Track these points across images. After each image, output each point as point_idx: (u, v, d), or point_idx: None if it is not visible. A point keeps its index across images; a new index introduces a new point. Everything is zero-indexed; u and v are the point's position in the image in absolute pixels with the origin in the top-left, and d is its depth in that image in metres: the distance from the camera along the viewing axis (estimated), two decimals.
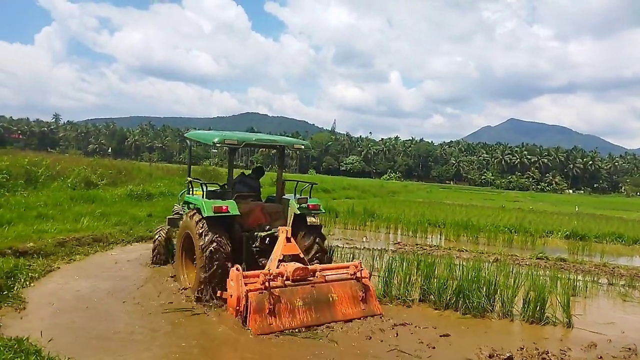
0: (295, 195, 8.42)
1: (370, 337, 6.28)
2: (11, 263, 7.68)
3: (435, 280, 8.06)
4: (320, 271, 6.99)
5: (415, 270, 8.62)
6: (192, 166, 9.86)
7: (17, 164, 17.40)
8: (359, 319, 6.82)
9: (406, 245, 14.30)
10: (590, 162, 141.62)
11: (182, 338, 5.85)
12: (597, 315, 8.24)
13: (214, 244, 7.06)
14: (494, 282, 7.77)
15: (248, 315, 6.16)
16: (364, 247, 13.03)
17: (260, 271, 6.57)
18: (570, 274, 10.46)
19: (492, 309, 7.57)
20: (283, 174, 8.92)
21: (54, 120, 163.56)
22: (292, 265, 6.76)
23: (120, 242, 11.43)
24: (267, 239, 7.77)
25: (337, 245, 11.05)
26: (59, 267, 8.56)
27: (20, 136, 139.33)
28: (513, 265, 11.16)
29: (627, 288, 10.30)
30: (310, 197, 8.28)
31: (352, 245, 13.08)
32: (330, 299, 6.80)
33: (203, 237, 7.11)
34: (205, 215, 7.15)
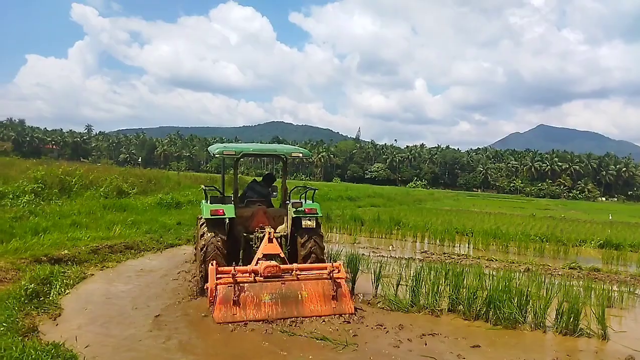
0: (305, 200, 9.02)
1: (398, 346, 6.23)
2: (47, 270, 7.95)
3: (465, 290, 7.92)
4: (296, 270, 7.39)
5: (443, 280, 8.51)
6: (217, 175, 10.50)
7: (51, 173, 18.00)
8: (332, 316, 7.14)
9: (433, 254, 14.14)
10: (624, 169, 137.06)
11: (211, 346, 5.92)
12: (634, 327, 7.96)
13: (211, 243, 7.85)
14: (525, 293, 7.59)
15: (213, 305, 6.78)
16: (391, 256, 12.92)
17: (231, 267, 7.06)
18: (604, 285, 10.09)
19: (524, 320, 7.38)
20: (289, 180, 9.13)
21: (86, 131, 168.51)
22: (265, 263, 7.26)
23: (151, 250, 11.68)
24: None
25: (363, 254, 10.98)
26: (93, 274, 8.79)
27: (54, 147, 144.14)
28: (545, 275, 10.89)
29: None
30: (312, 202, 8.92)
31: (378, 254, 12.99)
32: (300, 295, 7.19)
33: (202, 236, 8.02)
34: (204, 217, 8.09)
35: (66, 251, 9.56)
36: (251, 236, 8.48)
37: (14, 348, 4.93)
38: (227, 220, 8.36)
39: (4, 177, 17.19)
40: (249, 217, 8.64)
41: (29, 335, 5.56)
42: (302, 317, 7.01)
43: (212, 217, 7.99)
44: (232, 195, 8.88)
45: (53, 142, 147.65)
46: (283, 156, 9.26)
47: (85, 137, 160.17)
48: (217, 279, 6.95)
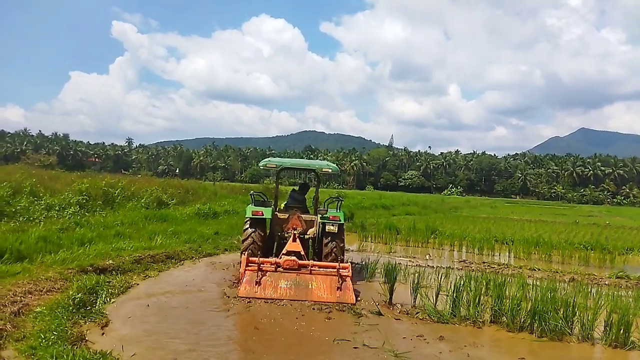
0: (335, 209, 10.58)
1: (439, 358, 6.12)
2: (93, 280, 8.21)
3: (508, 300, 7.71)
4: (311, 266, 8.93)
5: (484, 290, 8.32)
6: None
7: (95, 186, 18.65)
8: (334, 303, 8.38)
9: (472, 263, 13.84)
10: None
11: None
12: None
13: (249, 237, 9.82)
14: (571, 303, 7.33)
15: (240, 285, 8.69)
16: (428, 265, 12.73)
17: (258, 258, 8.88)
18: None
19: (571, 331, 7.12)
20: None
21: (127, 144, 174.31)
22: (286, 258, 8.97)
23: (190, 259, 11.91)
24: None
25: (400, 264, 10.84)
26: (137, 284, 9.03)
27: (97, 159, 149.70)
28: (591, 285, 10.49)
29: None
30: (338, 210, 10.45)
31: (415, 264, 12.82)
32: (310, 285, 8.73)
33: (245, 232, 9.97)
34: (247, 216, 10.06)
35: (111, 261, 9.87)
36: (285, 235, 10.20)
37: (64, 356, 5.12)
38: (266, 221, 10.20)
39: (50, 190, 17.88)
40: (285, 220, 10.40)
41: (78, 344, 5.75)
42: (310, 301, 8.36)
43: (253, 216, 9.94)
44: (273, 200, 10.96)
45: (95, 155, 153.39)
46: (315, 171, 11.04)
47: (126, 150, 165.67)
48: (247, 266, 8.71)
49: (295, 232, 9.88)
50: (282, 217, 10.42)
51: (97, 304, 7.36)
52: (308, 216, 10.60)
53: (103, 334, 6.36)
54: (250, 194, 11.26)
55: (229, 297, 8.50)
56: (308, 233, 10.36)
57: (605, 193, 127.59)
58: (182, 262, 11.49)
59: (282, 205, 11.34)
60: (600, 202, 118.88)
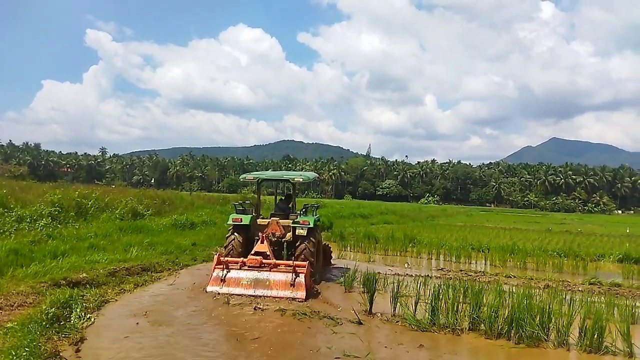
0: (311, 215, 11.59)
1: None
2: (66, 294, 7.98)
3: (486, 308, 7.81)
4: (272, 264, 9.90)
5: (462, 298, 8.41)
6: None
7: (68, 196, 18.17)
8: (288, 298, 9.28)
9: (450, 271, 14.00)
10: None
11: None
12: None
13: (230, 241, 11.07)
14: (547, 310, 7.47)
15: (209, 280, 9.83)
16: (407, 274, 12.81)
17: (225, 258, 10.18)
18: (627, 300, 9.88)
19: (547, 338, 7.27)
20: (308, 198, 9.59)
21: (100, 153, 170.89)
22: (251, 257, 10.10)
23: (167, 271, 11.70)
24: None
25: (379, 272, 10.89)
26: (116, 300, 8.79)
27: (69, 170, 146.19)
28: (565, 291, 10.72)
29: None
30: (314, 215, 11.63)
31: (394, 272, 12.88)
32: (268, 281, 9.68)
33: (227, 238, 11.26)
34: (228, 223, 11.32)
35: (84, 274, 9.61)
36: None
37: None
38: (249, 227, 11.24)
39: (21, 201, 17.36)
40: (265, 226, 11.37)
41: None
42: (269, 296, 9.35)
43: (233, 223, 11.14)
44: (254, 208, 11.92)
45: (68, 166, 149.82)
46: (290, 181, 12.03)
47: (99, 160, 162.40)
48: (216, 265, 9.90)
49: (264, 235, 10.84)
50: (262, 223, 11.47)
51: (72, 319, 7.16)
52: (286, 222, 11.48)
53: (78, 350, 6.19)
54: (233, 204, 12.32)
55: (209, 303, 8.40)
56: (285, 237, 11.26)
57: (576, 201, 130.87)
58: (159, 274, 11.28)
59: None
60: (571, 210, 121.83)
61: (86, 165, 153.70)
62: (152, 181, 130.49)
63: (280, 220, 11.46)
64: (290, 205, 12.38)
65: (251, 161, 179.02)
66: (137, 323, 7.44)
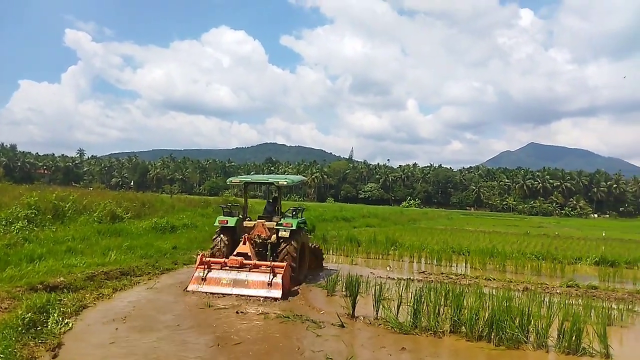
0: (295, 217, 11.98)
1: None
2: (43, 298, 7.80)
3: (466, 310, 7.90)
4: (252, 265, 10.21)
5: (444, 300, 8.49)
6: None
7: (45, 199, 17.79)
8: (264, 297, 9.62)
9: (431, 274, 14.10)
10: (615, 186, 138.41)
11: None
12: (636, 345, 7.96)
13: (216, 243, 11.47)
14: (526, 312, 7.59)
15: (190, 279, 10.18)
16: (389, 277, 12.87)
17: (208, 258, 10.50)
18: (603, 302, 10.11)
19: (527, 340, 7.37)
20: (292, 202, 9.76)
21: (78, 155, 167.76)
22: (232, 258, 10.46)
23: (147, 275, 11.52)
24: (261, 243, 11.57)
25: (362, 276, 10.90)
26: (94, 304, 8.61)
27: (46, 171, 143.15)
28: (544, 294, 10.92)
29: None
30: (297, 218, 11.85)
31: (377, 275, 12.92)
32: (246, 281, 9.97)
33: (213, 239, 11.73)
34: (215, 224, 11.82)
35: (62, 278, 9.41)
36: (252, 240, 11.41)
37: None
38: (236, 229, 11.63)
39: None
40: (251, 227, 11.71)
41: None
42: (246, 296, 9.66)
43: (219, 225, 11.61)
44: (242, 211, 12.51)
45: (45, 167, 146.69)
46: (274, 184, 12.41)
47: (77, 162, 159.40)
48: (198, 265, 10.21)
49: (246, 237, 11.20)
50: (249, 225, 11.83)
51: (49, 324, 6.99)
52: (271, 224, 11.71)
53: (55, 356, 6.06)
54: (221, 206, 13.08)
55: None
56: (271, 239, 11.52)
57: (553, 205, 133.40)
58: (138, 278, 11.09)
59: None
60: (549, 214, 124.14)
61: (63, 167, 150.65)
62: (132, 183, 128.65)
63: (266, 223, 11.72)
64: (276, 208, 12.60)
65: (233, 164, 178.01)
66: (117, 328, 7.30)
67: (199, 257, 10.43)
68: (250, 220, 12.13)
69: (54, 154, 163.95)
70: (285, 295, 9.75)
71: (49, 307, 7.58)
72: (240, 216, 12.16)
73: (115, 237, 15.44)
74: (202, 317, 8.24)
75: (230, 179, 12.85)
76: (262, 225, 11.68)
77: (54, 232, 14.63)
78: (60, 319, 7.29)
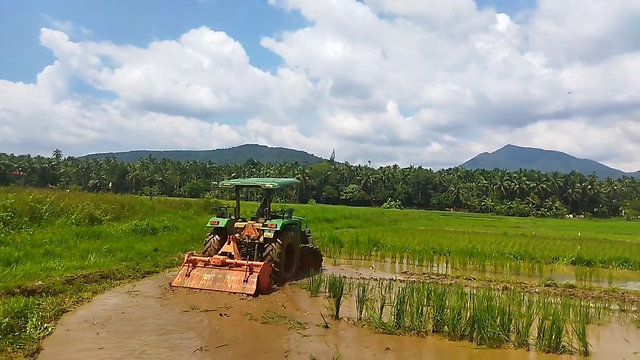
0: (282, 218, 12.60)
1: None
2: (21, 303, 7.63)
3: (448, 310, 8.00)
4: (233, 263, 10.68)
5: (426, 301, 8.58)
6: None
7: (21, 201, 17.37)
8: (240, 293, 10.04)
9: (413, 274, 14.24)
10: (589, 187, 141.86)
11: None
12: (613, 343, 8.17)
13: (208, 242, 12.23)
14: (507, 311, 7.72)
15: (176, 275, 10.79)
16: (372, 278, 12.95)
17: (195, 257, 11.11)
18: (581, 301, 10.36)
19: (508, 338, 7.50)
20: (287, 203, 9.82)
21: (54, 156, 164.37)
22: (216, 256, 11.02)
23: (127, 278, 11.34)
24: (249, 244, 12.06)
25: (345, 277, 10.93)
26: (74, 308, 8.45)
27: (22, 173, 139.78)
28: (523, 293, 11.12)
29: (639, 314, 10.19)
30: (283, 220, 12.28)
31: (360, 276, 12.99)
32: (225, 278, 10.48)
33: (205, 238, 12.54)
34: (207, 225, 12.76)
35: (40, 282, 9.19)
36: (240, 240, 11.97)
37: None
38: (226, 229, 12.20)
39: None
40: (242, 228, 12.27)
41: None
42: (225, 291, 10.13)
43: (211, 225, 12.42)
44: (234, 212, 13.03)
45: (20, 169, 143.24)
46: (261, 187, 13.23)
47: (53, 163, 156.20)
48: (185, 262, 10.88)
49: (231, 236, 11.66)
50: (239, 225, 12.37)
51: (27, 329, 6.83)
52: (260, 225, 12.19)
53: None
54: (214, 208, 14.14)
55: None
56: (259, 239, 11.89)
57: (530, 205, 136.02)
58: (118, 281, 10.90)
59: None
60: (526, 214, 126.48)
61: (39, 169, 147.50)
62: (110, 185, 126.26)
63: (255, 224, 12.24)
64: (265, 210, 13.02)
65: (214, 165, 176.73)
66: (98, 333, 7.18)
67: (187, 254, 11.05)
68: (244, 221, 12.63)
69: (29, 155, 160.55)
70: (260, 293, 10.15)
71: (27, 311, 7.42)
72: (232, 217, 12.75)
73: (94, 240, 15.17)
74: (185, 320, 8.16)
75: (222, 181, 13.93)
76: (252, 226, 12.19)
77: (31, 235, 14.30)
78: (39, 323, 7.12)
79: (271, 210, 13.18)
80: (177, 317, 8.37)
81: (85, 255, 12.46)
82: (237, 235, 12.08)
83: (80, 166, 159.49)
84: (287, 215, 12.98)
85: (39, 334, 6.78)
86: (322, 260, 14.64)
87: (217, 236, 12.15)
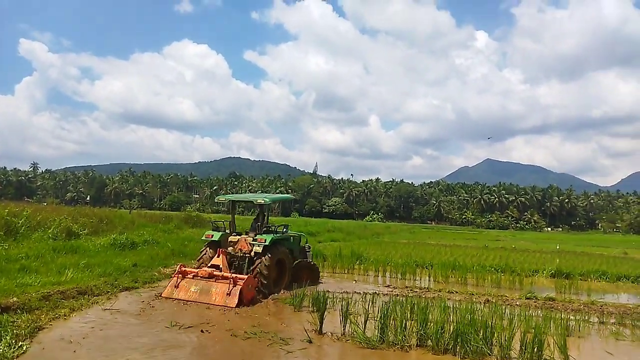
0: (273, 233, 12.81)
1: None
2: None
3: (432, 324, 8.01)
4: (220, 276, 10.87)
5: (409, 314, 8.58)
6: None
7: None
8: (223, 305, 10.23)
9: (396, 288, 14.25)
10: (567, 200, 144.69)
11: None
12: (593, 355, 8.27)
13: (203, 255, 12.60)
14: (489, 325, 7.77)
15: (166, 287, 11.13)
16: (355, 292, 12.90)
17: (185, 268, 11.34)
18: (561, 314, 10.49)
19: (491, 352, 7.53)
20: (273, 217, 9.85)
21: (31, 169, 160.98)
22: (204, 269, 11.25)
23: (106, 294, 11.07)
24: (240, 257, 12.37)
25: (328, 291, 10.88)
26: (50, 325, 8.20)
27: None
28: (505, 306, 11.19)
29: (618, 326, 10.36)
30: (274, 235, 12.58)
31: (343, 290, 12.93)
32: (210, 290, 10.69)
33: (200, 252, 12.90)
34: (202, 238, 13.11)
35: (15, 298, 8.92)
36: (233, 253, 12.37)
37: None
38: (220, 242, 12.53)
39: None
40: (235, 242, 12.67)
41: None
42: (210, 304, 10.32)
43: (205, 238, 12.80)
44: (229, 226, 13.60)
45: None
46: (253, 202, 13.69)
47: (30, 176, 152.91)
48: (175, 274, 11.22)
49: (221, 250, 11.97)
50: (233, 239, 12.79)
51: (1, 348, 6.60)
52: (252, 239, 12.51)
53: None
54: (210, 222, 14.73)
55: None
56: (250, 253, 12.20)
57: (509, 219, 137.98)
58: (96, 298, 10.63)
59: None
60: (505, 227, 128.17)
61: (15, 181, 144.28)
62: (88, 198, 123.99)
63: (247, 238, 12.68)
64: (257, 224, 13.51)
65: (195, 178, 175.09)
66: (75, 351, 6.97)
67: (178, 266, 11.42)
68: (239, 234, 13.20)
69: (5, 168, 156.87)
70: (244, 305, 10.39)
71: (1, 329, 7.19)
72: (227, 231, 13.24)
73: (72, 255, 14.83)
74: (166, 337, 7.98)
75: (218, 197, 14.50)
76: (245, 240, 12.60)
77: (6, 250, 13.92)
78: (14, 341, 6.89)
79: (269, 224, 13.58)
80: (157, 334, 8.19)
81: (63, 270, 12.16)
82: (230, 248, 12.49)
83: (57, 179, 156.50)
84: (284, 230, 13.43)
85: (13, 352, 6.57)
86: (319, 276, 14.87)
87: (210, 249, 12.48)
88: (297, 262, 13.85)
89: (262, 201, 13.23)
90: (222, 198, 14.36)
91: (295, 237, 14.91)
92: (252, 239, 12.39)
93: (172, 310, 9.86)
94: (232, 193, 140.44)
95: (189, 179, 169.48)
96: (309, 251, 15.09)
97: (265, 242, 12.01)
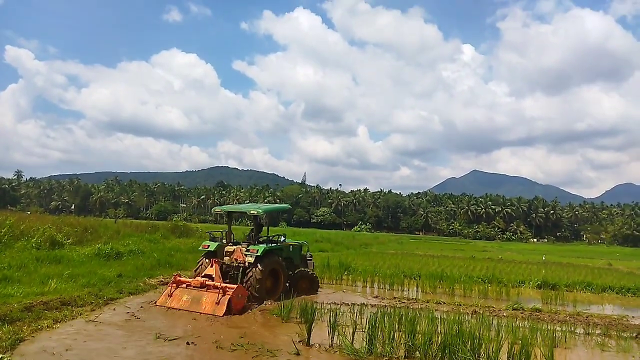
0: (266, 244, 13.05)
1: None
2: None
3: (420, 335, 8.00)
4: (211, 286, 11.07)
5: (397, 326, 8.56)
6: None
7: None
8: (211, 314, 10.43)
9: (384, 299, 14.23)
10: (552, 212, 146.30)
11: None
12: None
13: (200, 265, 12.94)
14: (477, 336, 7.77)
15: (161, 296, 11.44)
16: (343, 303, 12.84)
17: (180, 278, 11.66)
18: (548, 325, 10.55)
19: None
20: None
21: (15, 177, 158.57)
22: (196, 278, 11.61)
23: (90, 305, 10.87)
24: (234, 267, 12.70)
25: (316, 302, 10.84)
26: (32, 337, 8.02)
27: None
28: (492, 317, 11.22)
29: (603, 337, 10.44)
30: (266, 245, 12.74)
31: (331, 301, 12.87)
32: (201, 300, 10.92)
33: (197, 262, 13.31)
34: (200, 249, 13.58)
35: None
36: (228, 263, 12.70)
37: None
38: (217, 252, 12.93)
39: None
40: (232, 252, 12.86)
41: None
42: (200, 312, 10.53)
43: (202, 249, 13.26)
44: (226, 236, 13.83)
45: None
46: (247, 213, 14.03)
47: (14, 184, 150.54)
48: (170, 283, 11.57)
49: (214, 260, 12.27)
50: (229, 249, 12.98)
51: None
52: (246, 249, 12.73)
53: None
54: (207, 232, 15.28)
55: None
56: (245, 263, 12.41)
57: (496, 229, 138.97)
58: (80, 309, 10.42)
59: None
60: (492, 238, 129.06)
61: None
62: (72, 207, 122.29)
63: (242, 248, 12.85)
64: (252, 235, 13.81)
65: (182, 187, 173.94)
66: None
67: (174, 275, 11.77)
68: (236, 244, 13.36)
69: None
70: (232, 314, 10.55)
71: None
72: (223, 242, 13.50)
73: (56, 265, 14.58)
74: (150, 350, 7.86)
75: (215, 208, 15.55)
76: (240, 250, 12.77)
77: None
78: None
79: (268, 234, 13.74)
80: (143, 346, 8.06)
81: (46, 280, 11.97)
82: (227, 258, 12.79)
83: (42, 187, 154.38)
84: (282, 239, 13.66)
85: None
86: (318, 286, 14.98)
87: (207, 259, 12.77)
88: (297, 271, 14.12)
89: (255, 212, 13.45)
90: (218, 209, 14.92)
91: (295, 246, 14.95)
92: (245, 249, 12.63)
93: (158, 322, 9.73)
94: (220, 203, 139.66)
95: (176, 188, 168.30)
96: (310, 259, 15.22)
97: (257, 252, 12.24)
